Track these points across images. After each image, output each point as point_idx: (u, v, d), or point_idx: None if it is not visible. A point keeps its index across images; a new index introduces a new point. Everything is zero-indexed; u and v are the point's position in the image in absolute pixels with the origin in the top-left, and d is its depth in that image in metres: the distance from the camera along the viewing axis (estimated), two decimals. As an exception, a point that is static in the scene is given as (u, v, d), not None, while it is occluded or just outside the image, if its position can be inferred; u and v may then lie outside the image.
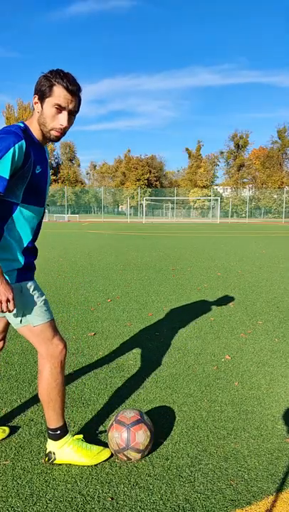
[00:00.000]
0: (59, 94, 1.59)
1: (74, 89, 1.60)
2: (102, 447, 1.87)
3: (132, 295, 5.30)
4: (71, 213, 54.81)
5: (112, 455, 1.85)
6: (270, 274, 7.21)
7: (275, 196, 59.44)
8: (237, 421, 2.21)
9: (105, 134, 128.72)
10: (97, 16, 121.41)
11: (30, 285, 1.74)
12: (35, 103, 1.65)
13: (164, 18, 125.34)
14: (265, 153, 64.65)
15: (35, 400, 2.40)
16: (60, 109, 1.61)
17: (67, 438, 1.83)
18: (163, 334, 3.70)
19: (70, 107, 1.62)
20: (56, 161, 78.10)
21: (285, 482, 1.72)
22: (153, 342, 3.48)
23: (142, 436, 1.80)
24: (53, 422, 1.80)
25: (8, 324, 1.94)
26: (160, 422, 2.18)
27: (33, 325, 1.73)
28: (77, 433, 2.06)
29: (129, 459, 1.81)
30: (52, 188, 66.47)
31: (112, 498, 1.61)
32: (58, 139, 1.68)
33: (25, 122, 1.68)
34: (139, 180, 69.50)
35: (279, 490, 1.68)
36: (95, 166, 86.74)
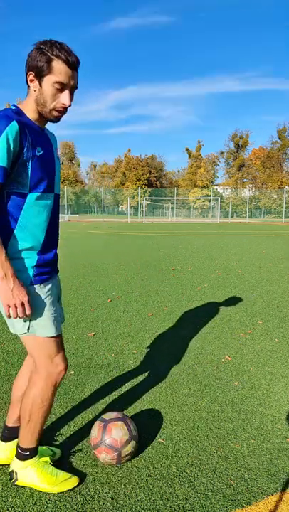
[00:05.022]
0: (60, 70, 1.42)
1: (75, 63, 1.44)
2: (70, 474, 1.69)
3: (132, 295, 5.30)
4: (71, 213, 54.77)
5: (79, 483, 1.68)
6: (270, 274, 7.21)
7: (275, 196, 59.35)
8: (237, 421, 2.21)
9: (123, 138, 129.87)
10: (134, 30, 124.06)
11: (45, 288, 1.55)
12: (31, 81, 1.45)
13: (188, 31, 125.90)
14: (265, 153, 64.64)
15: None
16: (61, 86, 1.45)
17: (35, 460, 1.66)
18: (163, 334, 3.70)
19: (72, 83, 1.46)
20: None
21: (285, 482, 1.72)
22: (153, 342, 3.48)
23: (118, 432, 1.75)
24: (26, 442, 1.63)
25: None
26: (160, 422, 2.18)
27: (38, 336, 1.54)
28: (76, 432, 2.06)
29: (101, 456, 1.75)
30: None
31: (112, 498, 1.61)
32: (58, 119, 1.53)
33: (18, 105, 1.53)
34: (139, 180, 69.49)
35: (279, 490, 1.68)
36: (95, 166, 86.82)
